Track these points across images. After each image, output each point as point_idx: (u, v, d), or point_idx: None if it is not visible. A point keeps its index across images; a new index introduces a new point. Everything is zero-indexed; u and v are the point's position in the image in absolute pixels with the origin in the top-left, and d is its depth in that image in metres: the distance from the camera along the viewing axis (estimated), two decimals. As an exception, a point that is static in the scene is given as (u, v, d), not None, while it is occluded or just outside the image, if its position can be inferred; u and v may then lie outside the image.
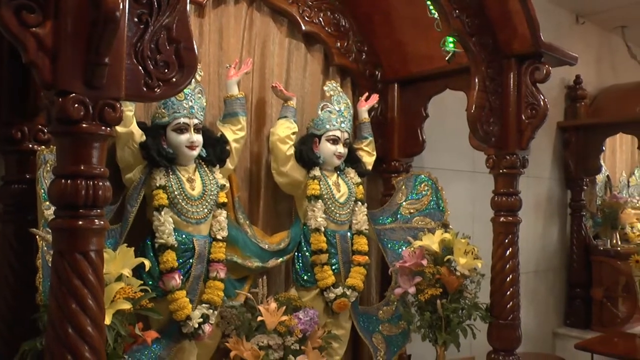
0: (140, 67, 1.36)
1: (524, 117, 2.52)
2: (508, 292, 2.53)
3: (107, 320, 1.65)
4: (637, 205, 5.29)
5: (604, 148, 4.72)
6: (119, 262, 1.83)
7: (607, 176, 5.11)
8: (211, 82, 2.48)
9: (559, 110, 4.75)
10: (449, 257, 2.54)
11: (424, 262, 2.55)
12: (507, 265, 2.54)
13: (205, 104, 2.27)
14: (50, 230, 1.34)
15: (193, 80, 2.13)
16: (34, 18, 1.21)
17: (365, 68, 3.01)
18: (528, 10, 2.38)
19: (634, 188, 5.40)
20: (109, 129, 1.31)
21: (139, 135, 2.10)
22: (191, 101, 2.17)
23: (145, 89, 1.38)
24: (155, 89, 1.40)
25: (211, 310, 2.21)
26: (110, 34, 1.23)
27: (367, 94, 2.92)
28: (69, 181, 1.25)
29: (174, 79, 1.42)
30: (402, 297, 2.69)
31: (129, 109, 2.02)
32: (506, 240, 2.55)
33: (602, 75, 5.13)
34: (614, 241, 4.73)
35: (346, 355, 2.85)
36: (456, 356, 2.67)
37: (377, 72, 3.05)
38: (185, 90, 2.12)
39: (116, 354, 1.77)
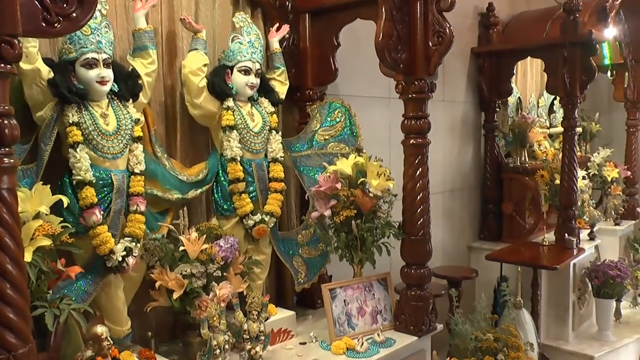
0: (36, 2, 1.34)
1: (431, 44, 2.59)
2: (418, 210, 2.65)
3: (28, 258, 1.67)
4: (545, 124, 5.58)
5: (514, 72, 4.92)
6: (35, 200, 1.84)
7: (519, 98, 5.30)
8: (118, 15, 2.41)
9: (473, 37, 4.87)
10: (362, 179, 2.65)
11: (339, 185, 2.65)
12: (418, 185, 2.64)
13: (113, 38, 2.23)
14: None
15: (99, 14, 2.11)
16: None
17: (275, -1, 2.98)
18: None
19: (542, 109, 5.65)
20: (9, 66, 1.29)
21: (46, 72, 2.04)
22: (98, 36, 2.13)
23: (44, 25, 1.37)
24: (55, 25, 1.39)
25: (134, 243, 2.24)
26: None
27: (277, 24, 2.91)
28: (-28, 121, 1.24)
29: (74, 14, 1.41)
30: (319, 220, 2.77)
31: (32, 45, 1.96)
32: (416, 161, 2.64)
33: (514, 2, 5.24)
34: (523, 158, 4.98)
35: (269, 279, 2.96)
36: (373, 273, 2.79)
37: (287, 3, 3.01)
38: (91, 25, 2.08)
39: (40, 290, 1.81)
